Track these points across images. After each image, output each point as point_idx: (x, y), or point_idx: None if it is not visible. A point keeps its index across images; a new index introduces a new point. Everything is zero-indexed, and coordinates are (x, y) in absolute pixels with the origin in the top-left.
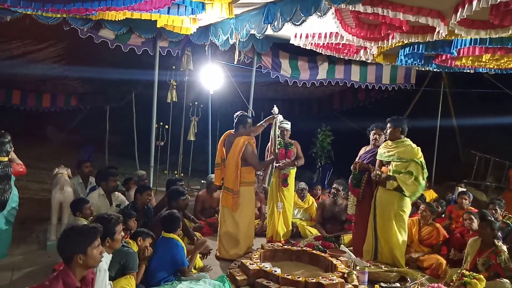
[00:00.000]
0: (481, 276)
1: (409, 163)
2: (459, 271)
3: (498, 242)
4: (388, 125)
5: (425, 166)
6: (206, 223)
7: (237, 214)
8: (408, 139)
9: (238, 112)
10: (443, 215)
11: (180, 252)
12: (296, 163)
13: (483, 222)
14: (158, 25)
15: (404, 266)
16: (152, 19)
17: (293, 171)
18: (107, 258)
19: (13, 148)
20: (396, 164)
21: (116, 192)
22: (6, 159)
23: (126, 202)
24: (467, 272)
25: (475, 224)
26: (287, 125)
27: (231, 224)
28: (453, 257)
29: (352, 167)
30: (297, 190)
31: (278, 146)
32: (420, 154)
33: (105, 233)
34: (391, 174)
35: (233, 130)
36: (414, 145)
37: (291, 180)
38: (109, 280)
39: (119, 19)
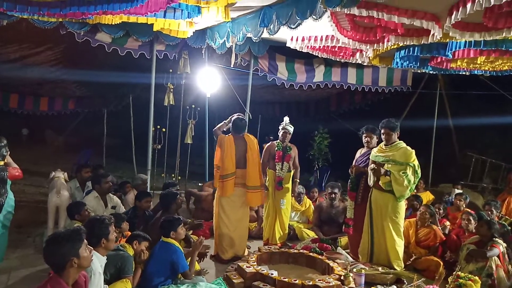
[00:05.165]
0: (476, 278)
1: (405, 167)
2: (454, 272)
3: (496, 238)
4: (383, 130)
5: (418, 170)
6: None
7: (234, 215)
8: (402, 142)
9: (237, 115)
10: (444, 217)
11: (180, 257)
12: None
13: (485, 222)
14: (155, 29)
15: (402, 268)
16: (149, 23)
17: (288, 175)
18: (101, 261)
19: (9, 152)
20: (391, 166)
21: (111, 194)
22: (2, 163)
23: (120, 204)
24: (462, 274)
25: (472, 226)
26: (290, 128)
27: (229, 226)
28: (449, 259)
29: (349, 171)
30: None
31: (276, 148)
32: (414, 157)
33: (100, 234)
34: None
35: (233, 134)
36: (409, 148)
37: (289, 183)
38: (105, 283)
39: (116, 23)
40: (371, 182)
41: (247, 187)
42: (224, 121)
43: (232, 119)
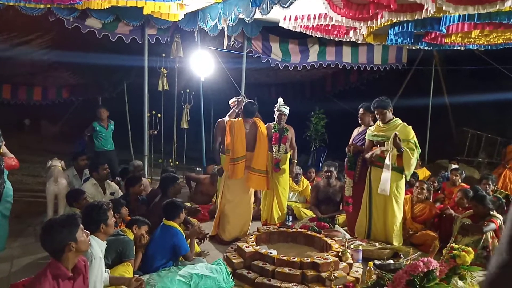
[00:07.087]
0: (470, 249)
1: (406, 143)
2: (448, 245)
3: (493, 212)
4: (376, 111)
5: (418, 145)
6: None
7: (239, 197)
8: (399, 119)
9: (237, 98)
10: (439, 191)
11: (181, 240)
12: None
13: (478, 200)
14: (145, 12)
15: (400, 244)
16: (138, 6)
17: (286, 156)
18: (102, 245)
19: (4, 142)
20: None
21: (109, 181)
22: None
23: (119, 190)
24: (456, 246)
25: (466, 201)
26: (286, 110)
27: (233, 208)
28: (447, 213)
29: (346, 149)
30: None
31: (273, 130)
32: (413, 133)
33: (99, 220)
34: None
35: (244, 118)
36: (405, 124)
37: (286, 164)
38: (106, 268)
39: (105, 7)
40: (388, 160)
41: (252, 169)
42: (233, 108)
43: (243, 104)
